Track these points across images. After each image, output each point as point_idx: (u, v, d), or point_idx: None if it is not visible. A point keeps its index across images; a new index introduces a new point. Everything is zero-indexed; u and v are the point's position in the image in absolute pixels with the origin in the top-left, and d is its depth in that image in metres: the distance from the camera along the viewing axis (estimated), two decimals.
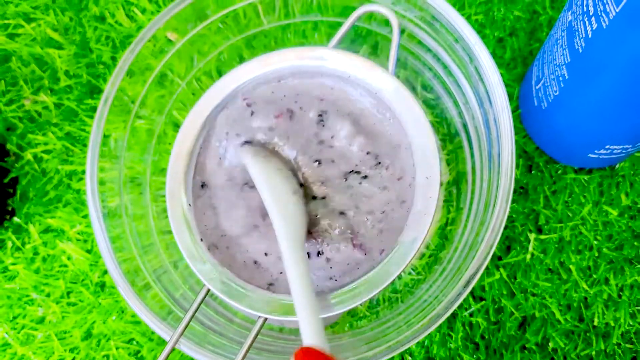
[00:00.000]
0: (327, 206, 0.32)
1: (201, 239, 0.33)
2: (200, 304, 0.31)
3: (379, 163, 0.32)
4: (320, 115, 0.33)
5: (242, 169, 0.33)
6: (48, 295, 0.41)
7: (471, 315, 0.38)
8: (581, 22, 0.29)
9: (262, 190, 0.31)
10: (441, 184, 0.32)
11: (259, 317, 0.31)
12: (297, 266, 0.28)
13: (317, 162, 0.33)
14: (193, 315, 0.31)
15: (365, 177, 0.32)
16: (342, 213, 0.32)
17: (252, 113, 0.34)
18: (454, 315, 0.38)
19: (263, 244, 0.32)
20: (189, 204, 0.33)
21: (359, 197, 0.32)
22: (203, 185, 0.34)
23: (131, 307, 0.33)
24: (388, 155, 0.33)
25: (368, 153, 0.32)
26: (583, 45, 0.30)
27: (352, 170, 0.32)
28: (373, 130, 0.33)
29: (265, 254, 0.32)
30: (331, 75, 0.34)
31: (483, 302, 0.39)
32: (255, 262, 0.32)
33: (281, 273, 0.32)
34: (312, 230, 0.32)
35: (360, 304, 0.32)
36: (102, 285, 0.41)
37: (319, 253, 0.32)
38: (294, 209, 0.31)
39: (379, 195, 0.32)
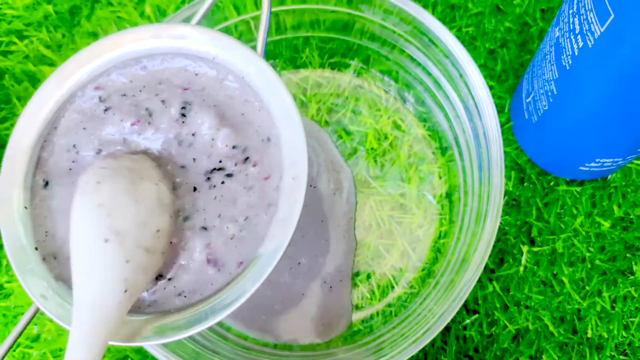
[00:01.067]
0: (187, 223, 0.27)
1: (36, 248, 0.27)
2: (26, 326, 0.27)
3: (247, 158, 0.28)
4: (182, 107, 0.28)
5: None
6: (43, 313, 0.41)
7: (465, 328, 0.39)
8: (568, 39, 0.29)
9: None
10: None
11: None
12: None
13: (179, 168, 0.28)
14: (18, 336, 0.27)
15: (230, 175, 0.28)
16: (204, 228, 0.27)
17: (105, 109, 0.29)
18: (447, 329, 0.39)
19: None
20: (25, 207, 0.28)
21: (223, 202, 0.27)
22: (46, 185, 0.28)
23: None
24: (257, 149, 0.28)
25: (234, 147, 0.28)
26: (570, 62, 0.30)
27: (215, 168, 0.28)
28: (241, 120, 0.28)
29: None
30: (194, 56, 0.29)
31: (476, 315, 0.39)
32: None
33: (126, 291, 0.26)
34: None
35: (208, 328, 0.26)
36: None
37: (158, 277, 0.27)
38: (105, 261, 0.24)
39: (244, 197, 0.27)
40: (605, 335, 0.38)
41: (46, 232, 0.28)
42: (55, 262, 0.27)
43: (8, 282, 0.42)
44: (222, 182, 0.28)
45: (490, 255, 0.39)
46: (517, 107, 0.40)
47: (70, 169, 0.28)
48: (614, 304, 0.38)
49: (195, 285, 0.27)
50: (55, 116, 0.29)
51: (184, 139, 0.28)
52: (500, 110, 0.42)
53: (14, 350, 0.40)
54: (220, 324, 0.37)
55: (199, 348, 0.34)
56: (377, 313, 0.39)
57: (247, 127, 0.28)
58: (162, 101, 0.28)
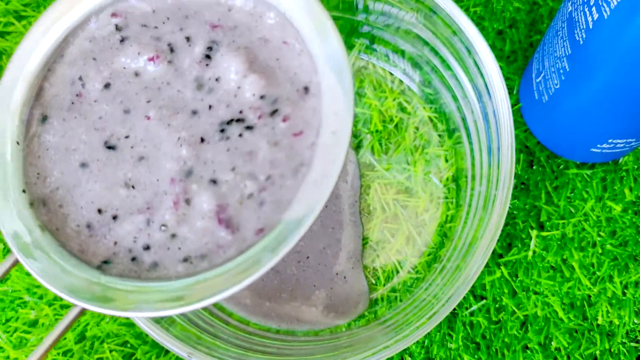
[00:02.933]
0: (192, 174, 0.24)
1: (24, 190, 0.24)
2: (5, 273, 0.24)
3: (276, 111, 0.24)
4: (209, 48, 0.26)
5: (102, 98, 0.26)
6: (41, 297, 0.40)
7: (472, 314, 0.38)
8: (581, 12, 0.28)
9: None
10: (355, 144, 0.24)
11: (75, 305, 0.24)
12: None
13: (189, 114, 0.25)
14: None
15: (250, 127, 0.24)
16: (213, 182, 0.24)
17: (121, 40, 0.26)
18: (454, 315, 0.38)
19: (95, 190, 0.25)
20: (17, 142, 0.25)
21: (238, 155, 0.24)
22: (44, 119, 0.25)
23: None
24: (290, 101, 0.25)
25: (262, 97, 0.25)
26: (584, 36, 0.29)
27: (233, 119, 0.25)
28: (274, 66, 0.25)
29: (99, 211, 0.24)
30: None
31: (484, 301, 0.38)
32: (88, 226, 0.25)
33: (116, 243, 0.24)
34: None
35: (212, 303, 0.23)
36: None
37: (161, 227, 0.24)
38: None
39: (266, 152, 0.24)
40: (616, 321, 0.37)
41: (38, 173, 0.25)
42: (44, 209, 0.25)
43: None
44: (240, 135, 0.24)
45: (498, 240, 0.38)
46: (526, 87, 0.39)
47: (72, 103, 0.26)
48: (625, 290, 0.37)
49: (203, 249, 0.24)
50: (64, 43, 0.26)
51: (204, 83, 0.25)
52: (509, 91, 0.41)
53: (11, 336, 0.40)
54: (222, 309, 0.36)
55: (200, 332, 0.33)
56: (382, 298, 0.38)
57: (281, 74, 0.25)
58: (187, 38, 0.26)
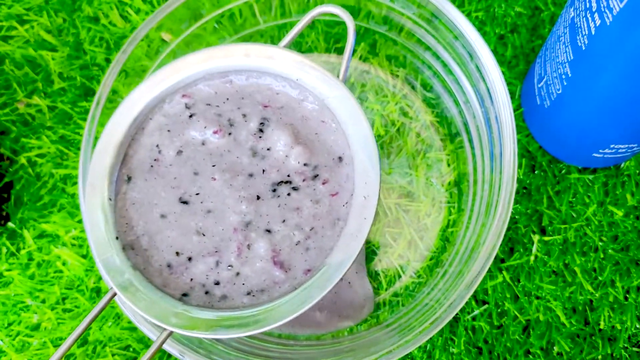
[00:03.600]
0: (251, 225, 0.30)
1: (117, 237, 0.29)
2: (101, 310, 0.28)
3: (317, 176, 0.30)
4: (261, 123, 0.31)
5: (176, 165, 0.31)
6: (43, 301, 0.40)
7: (474, 319, 0.38)
8: (584, 18, 0.28)
9: None
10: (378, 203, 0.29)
11: (164, 329, 0.28)
12: None
13: (247, 176, 0.30)
14: (92, 321, 0.28)
15: (296, 188, 0.30)
16: (268, 231, 0.29)
17: (190, 116, 0.31)
18: (456, 319, 0.38)
19: (173, 237, 0.30)
20: (110, 198, 0.30)
21: (287, 210, 0.30)
22: (129, 180, 0.31)
23: (125, 313, 0.32)
24: (327, 167, 0.30)
25: (305, 165, 0.30)
26: (586, 42, 0.29)
27: (282, 181, 0.30)
28: (314, 139, 0.31)
29: (177, 253, 0.30)
30: (278, 76, 0.32)
31: (486, 306, 0.38)
32: (169, 266, 0.30)
33: (192, 280, 0.29)
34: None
35: (277, 326, 0.28)
36: (98, 291, 0.40)
37: (228, 266, 0.29)
38: None
39: (310, 208, 0.30)
40: (618, 326, 0.37)
41: (126, 223, 0.30)
42: (133, 252, 0.29)
43: (8, 270, 0.41)
44: (288, 194, 0.30)
45: (500, 245, 0.39)
46: (528, 92, 0.39)
47: (151, 166, 0.31)
48: (627, 295, 0.37)
49: (262, 285, 0.29)
50: (144, 118, 0.31)
51: (258, 151, 0.31)
52: (510, 96, 0.41)
53: (13, 339, 0.40)
54: None
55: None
56: (384, 303, 0.38)
57: (319, 146, 0.31)
58: (243, 115, 0.31)
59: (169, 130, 0.31)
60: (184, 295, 0.29)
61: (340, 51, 0.43)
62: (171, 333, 0.28)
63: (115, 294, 0.28)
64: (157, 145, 0.31)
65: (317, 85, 0.31)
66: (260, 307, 0.28)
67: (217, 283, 0.29)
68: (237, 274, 0.29)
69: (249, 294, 0.29)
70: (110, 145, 0.31)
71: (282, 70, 0.31)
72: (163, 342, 0.28)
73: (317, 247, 0.29)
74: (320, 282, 0.28)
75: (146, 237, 0.30)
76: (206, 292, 0.29)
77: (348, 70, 0.31)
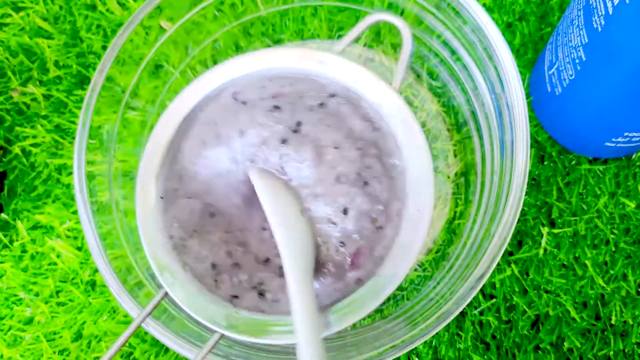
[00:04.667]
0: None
1: (171, 236, 0.30)
2: (152, 310, 0.28)
3: (366, 182, 0.29)
4: (321, 104, 0.30)
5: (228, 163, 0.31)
6: (37, 294, 0.39)
7: (481, 313, 0.37)
8: None
9: (268, 212, 0.28)
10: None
11: (215, 332, 0.28)
12: (304, 299, 0.26)
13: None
14: (140, 323, 0.28)
15: (366, 183, 0.29)
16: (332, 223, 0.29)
17: (243, 103, 0.31)
18: (462, 314, 0.37)
19: (222, 238, 0.30)
20: (161, 197, 0.30)
21: (365, 189, 0.29)
22: (180, 178, 0.31)
23: (123, 307, 0.31)
24: (378, 176, 0.30)
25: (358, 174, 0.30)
26: (602, 23, 0.28)
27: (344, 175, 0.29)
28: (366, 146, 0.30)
29: (229, 253, 0.30)
30: (331, 82, 0.31)
31: (494, 300, 0.37)
32: (214, 266, 0.30)
33: (240, 282, 0.29)
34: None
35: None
36: (93, 284, 0.39)
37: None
38: (302, 232, 0.28)
39: (371, 207, 0.29)
40: (630, 321, 0.36)
41: (176, 222, 0.30)
42: (184, 250, 0.29)
43: (0, 262, 0.40)
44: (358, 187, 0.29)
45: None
46: (537, 81, 0.38)
47: (197, 166, 0.30)
48: (639, 289, 0.36)
49: (317, 290, 0.29)
50: (193, 116, 0.31)
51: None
52: None
53: (5, 334, 0.38)
54: None
55: (201, 329, 0.32)
56: (388, 297, 0.37)
57: (372, 154, 0.29)
58: (299, 95, 0.30)
59: (216, 123, 0.31)
60: (234, 297, 0.29)
61: (333, 37, 0.42)
62: (221, 336, 0.28)
63: (166, 294, 0.28)
64: (204, 141, 0.31)
65: (370, 93, 0.30)
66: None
67: (268, 290, 0.29)
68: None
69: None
70: (160, 144, 0.30)
71: (336, 76, 0.30)
72: (213, 346, 0.28)
73: (373, 248, 0.29)
74: (373, 291, 0.28)
75: (196, 236, 0.30)
76: (260, 294, 0.29)
77: (403, 79, 0.30)
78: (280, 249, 0.27)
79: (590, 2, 0.29)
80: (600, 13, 0.28)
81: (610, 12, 0.27)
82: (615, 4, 0.26)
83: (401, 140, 0.29)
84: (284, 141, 0.29)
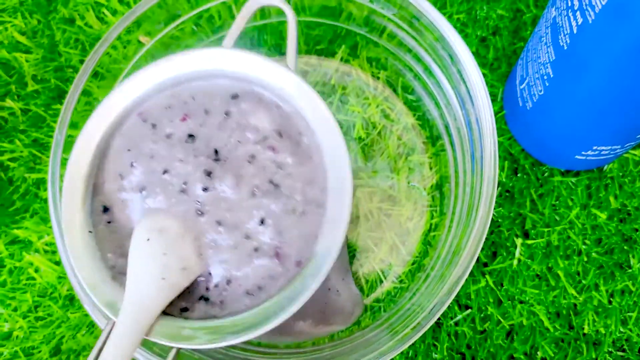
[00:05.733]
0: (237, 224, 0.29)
1: (112, 266, 0.29)
2: (104, 342, 0.26)
3: (281, 167, 0.30)
4: (226, 114, 0.30)
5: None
6: (15, 309, 0.39)
7: (457, 324, 0.37)
8: (566, 17, 0.28)
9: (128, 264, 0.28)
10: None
11: (173, 347, 0.28)
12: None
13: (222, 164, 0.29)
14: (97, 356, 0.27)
15: (277, 185, 0.29)
16: (262, 221, 0.29)
17: (153, 126, 0.30)
18: (438, 325, 0.37)
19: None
20: (90, 231, 0.29)
21: (277, 194, 0.29)
22: (105, 210, 0.30)
23: (98, 324, 0.31)
24: (296, 156, 0.30)
25: (274, 153, 0.30)
26: (568, 41, 0.28)
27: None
28: (279, 130, 0.30)
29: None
30: (229, 76, 0.31)
31: (469, 311, 0.37)
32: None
33: (189, 292, 0.29)
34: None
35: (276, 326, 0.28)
36: (71, 299, 0.39)
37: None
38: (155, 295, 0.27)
39: (289, 196, 0.29)
40: (602, 330, 0.36)
41: (110, 253, 0.29)
42: (124, 278, 0.28)
43: None
44: (273, 183, 0.29)
45: (483, 249, 0.38)
46: (510, 95, 0.38)
47: (121, 194, 0.30)
48: (611, 298, 0.37)
49: (260, 282, 0.29)
50: (105, 144, 0.30)
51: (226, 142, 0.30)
52: (492, 99, 0.41)
53: None
54: None
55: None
56: (366, 308, 0.37)
57: (285, 135, 0.30)
58: (205, 110, 0.30)
59: (129, 150, 0.30)
60: (183, 310, 0.29)
61: (320, 53, 0.42)
62: (178, 350, 0.27)
63: (114, 323, 0.27)
64: (120, 174, 0.30)
65: (269, 79, 0.30)
66: (261, 305, 0.28)
67: (216, 286, 0.29)
68: (228, 282, 0.29)
69: (248, 293, 0.29)
70: (78, 178, 0.29)
71: (234, 69, 0.30)
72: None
73: (304, 234, 0.29)
74: (313, 270, 0.28)
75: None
76: (205, 300, 0.29)
77: (297, 59, 0.30)
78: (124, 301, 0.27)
79: (557, 20, 0.29)
80: (565, 32, 0.28)
81: (575, 32, 0.27)
82: (579, 23, 0.27)
83: (309, 116, 0.29)
84: (209, 174, 0.29)
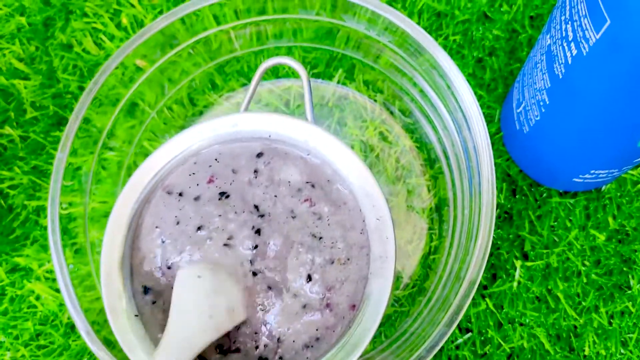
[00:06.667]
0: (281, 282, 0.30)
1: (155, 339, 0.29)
2: None
3: (321, 217, 0.30)
4: (255, 171, 0.31)
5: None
6: (16, 337, 0.39)
7: (457, 347, 0.37)
8: (560, 47, 0.28)
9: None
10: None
11: None
12: None
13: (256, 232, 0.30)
14: None
15: (320, 238, 0.30)
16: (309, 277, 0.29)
17: (179, 195, 0.31)
18: (439, 349, 0.37)
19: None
20: (136, 315, 0.29)
21: (320, 246, 0.30)
22: (147, 290, 0.30)
23: (95, 354, 0.31)
24: (332, 207, 0.30)
25: (313, 206, 0.30)
26: (563, 71, 0.29)
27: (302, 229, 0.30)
28: (313, 183, 0.31)
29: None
30: (251, 138, 0.31)
31: (469, 334, 0.37)
32: (220, 349, 0.30)
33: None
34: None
35: None
36: (73, 327, 0.39)
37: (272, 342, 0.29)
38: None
39: (332, 245, 0.30)
40: (603, 352, 0.36)
41: (160, 333, 0.29)
42: None
43: None
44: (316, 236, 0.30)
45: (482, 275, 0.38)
46: (507, 117, 0.39)
47: (160, 271, 0.30)
48: (611, 320, 0.37)
49: (316, 334, 0.29)
50: (135, 224, 0.30)
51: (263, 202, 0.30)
52: (490, 120, 0.41)
53: None
54: None
55: None
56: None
57: (320, 187, 0.31)
58: (232, 170, 0.31)
59: (157, 227, 0.30)
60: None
61: (317, 76, 0.42)
62: None
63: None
64: (153, 250, 0.30)
65: (291, 133, 0.31)
66: (325, 356, 0.28)
67: (266, 346, 0.29)
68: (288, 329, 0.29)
69: (308, 347, 0.29)
70: (114, 262, 0.30)
71: (254, 129, 0.31)
72: None
73: (352, 280, 0.29)
74: (370, 312, 0.28)
75: None
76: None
77: (313, 111, 0.31)
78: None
79: (552, 48, 0.29)
80: (560, 61, 0.28)
81: (570, 62, 0.27)
82: (574, 54, 0.27)
83: (337, 164, 0.30)
84: (258, 231, 0.30)
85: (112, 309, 0.29)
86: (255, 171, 0.31)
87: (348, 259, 0.30)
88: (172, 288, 0.29)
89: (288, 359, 0.29)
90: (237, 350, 0.29)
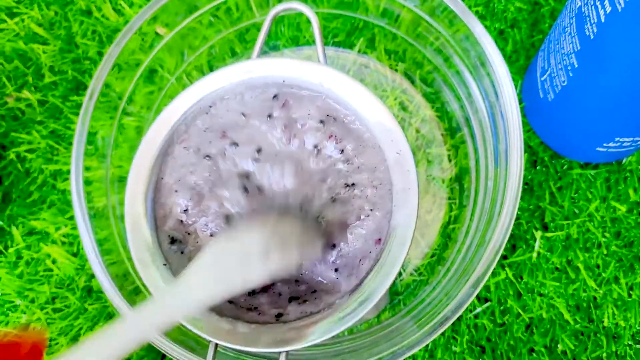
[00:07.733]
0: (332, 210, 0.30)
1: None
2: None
3: (343, 150, 0.30)
4: (269, 116, 0.31)
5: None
6: (32, 301, 0.39)
7: (476, 317, 0.37)
8: (592, 6, 0.28)
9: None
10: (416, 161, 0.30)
11: (210, 344, 0.28)
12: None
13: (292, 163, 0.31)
14: None
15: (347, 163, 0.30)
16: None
17: (197, 151, 0.31)
18: (458, 318, 0.37)
19: None
20: (164, 264, 0.30)
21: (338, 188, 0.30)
22: (173, 241, 0.30)
23: (120, 313, 0.31)
24: (355, 144, 0.31)
25: (340, 147, 0.31)
26: (595, 30, 0.28)
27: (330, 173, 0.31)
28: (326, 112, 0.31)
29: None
30: (264, 84, 0.31)
31: (488, 304, 0.37)
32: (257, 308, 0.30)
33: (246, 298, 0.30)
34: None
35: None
36: (89, 290, 0.39)
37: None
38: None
39: (358, 179, 0.30)
40: (622, 323, 0.36)
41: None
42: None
43: None
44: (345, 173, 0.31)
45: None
46: (530, 87, 0.38)
47: (183, 224, 0.31)
48: (630, 292, 0.37)
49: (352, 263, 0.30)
50: (155, 177, 0.31)
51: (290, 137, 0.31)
52: None
53: None
54: None
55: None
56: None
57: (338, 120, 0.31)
58: (269, 115, 0.31)
59: (179, 180, 0.31)
60: (278, 316, 0.30)
61: (338, 45, 0.42)
62: (217, 346, 0.28)
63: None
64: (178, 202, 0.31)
65: (306, 78, 0.30)
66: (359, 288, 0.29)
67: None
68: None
69: (336, 270, 0.30)
70: (138, 217, 0.30)
71: (268, 75, 0.31)
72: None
73: (380, 214, 0.30)
74: (397, 244, 0.28)
75: None
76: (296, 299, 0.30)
77: (325, 54, 0.31)
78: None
79: (583, 10, 0.29)
80: (592, 21, 0.28)
81: (603, 20, 0.27)
82: (608, 12, 0.27)
83: (352, 101, 0.30)
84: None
85: (140, 259, 0.29)
86: (269, 116, 0.31)
87: (381, 184, 0.30)
88: (197, 238, 0.30)
89: (322, 298, 0.30)
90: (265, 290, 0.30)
